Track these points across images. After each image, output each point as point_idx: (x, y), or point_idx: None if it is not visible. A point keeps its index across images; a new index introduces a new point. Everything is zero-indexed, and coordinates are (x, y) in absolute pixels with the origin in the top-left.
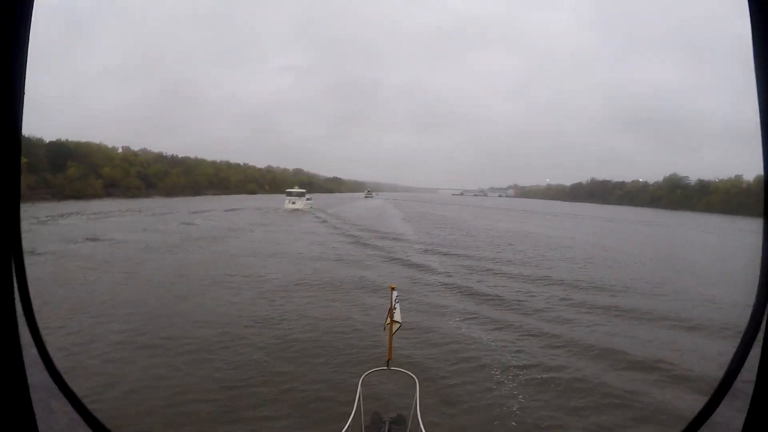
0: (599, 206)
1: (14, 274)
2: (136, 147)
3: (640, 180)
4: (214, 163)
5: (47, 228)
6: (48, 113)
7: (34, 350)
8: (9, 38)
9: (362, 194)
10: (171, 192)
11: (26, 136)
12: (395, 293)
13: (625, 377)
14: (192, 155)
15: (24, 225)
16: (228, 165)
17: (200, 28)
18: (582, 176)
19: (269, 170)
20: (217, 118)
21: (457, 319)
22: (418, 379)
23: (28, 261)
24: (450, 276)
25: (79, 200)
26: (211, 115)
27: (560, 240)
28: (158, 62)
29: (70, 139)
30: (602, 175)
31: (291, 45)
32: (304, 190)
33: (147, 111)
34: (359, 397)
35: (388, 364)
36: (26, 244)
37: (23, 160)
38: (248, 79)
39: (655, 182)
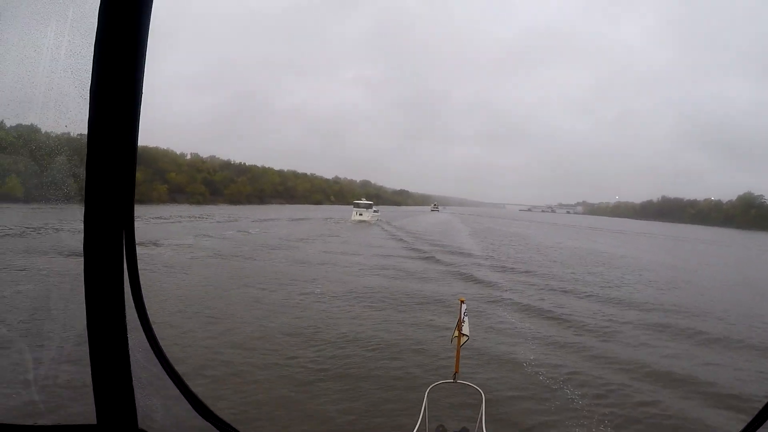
0: (671, 225)
1: (126, 269)
2: (204, 154)
3: (713, 198)
4: (281, 172)
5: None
6: None
7: (142, 335)
8: (131, 51)
9: (428, 208)
10: (236, 200)
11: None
12: (464, 306)
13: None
14: (260, 163)
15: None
16: (295, 174)
17: (273, 39)
18: (652, 194)
19: (336, 181)
20: (287, 127)
21: (528, 339)
22: (484, 393)
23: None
24: (521, 295)
25: (143, 204)
26: (281, 125)
27: (637, 261)
28: (230, 72)
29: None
30: (673, 193)
31: (361, 57)
32: (371, 202)
33: (217, 119)
34: (425, 409)
35: (455, 377)
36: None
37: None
38: (318, 90)
39: (729, 201)
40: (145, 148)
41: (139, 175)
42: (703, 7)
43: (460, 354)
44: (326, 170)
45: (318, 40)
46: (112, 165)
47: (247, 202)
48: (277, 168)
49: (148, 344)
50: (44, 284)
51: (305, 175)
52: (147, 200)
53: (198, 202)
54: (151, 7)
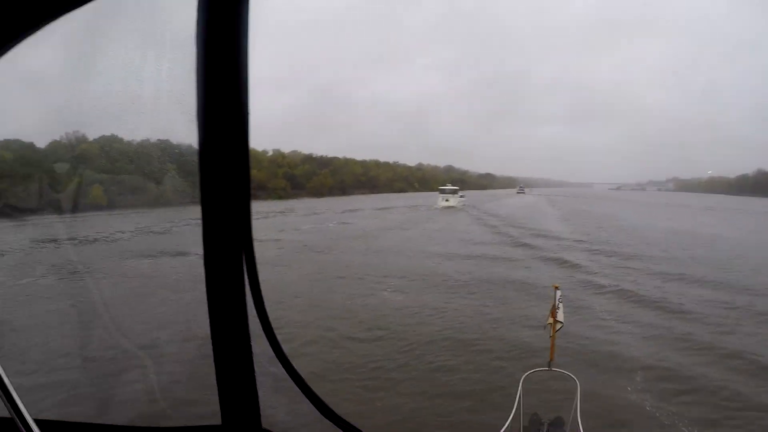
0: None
1: (245, 270)
2: (286, 150)
3: None
4: (363, 162)
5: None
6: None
7: (265, 341)
8: (232, 74)
9: (514, 190)
10: (318, 192)
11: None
12: (558, 293)
13: None
14: (341, 155)
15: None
16: (377, 164)
17: (348, 35)
18: (746, 168)
19: (419, 168)
20: (367, 118)
21: (636, 333)
22: (579, 382)
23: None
24: (637, 285)
25: None
26: (361, 116)
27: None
28: (308, 69)
29: None
30: None
31: (437, 41)
32: (457, 188)
33: (298, 116)
34: (519, 397)
35: (549, 365)
36: (173, 246)
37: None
38: (396, 78)
39: None
40: None
41: (160, 175)
42: None
43: (555, 341)
44: (409, 158)
45: (392, 29)
46: (226, 185)
47: (329, 194)
48: (359, 159)
49: (271, 350)
50: (165, 295)
51: (387, 164)
52: (165, 204)
53: (280, 197)
54: (248, 29)
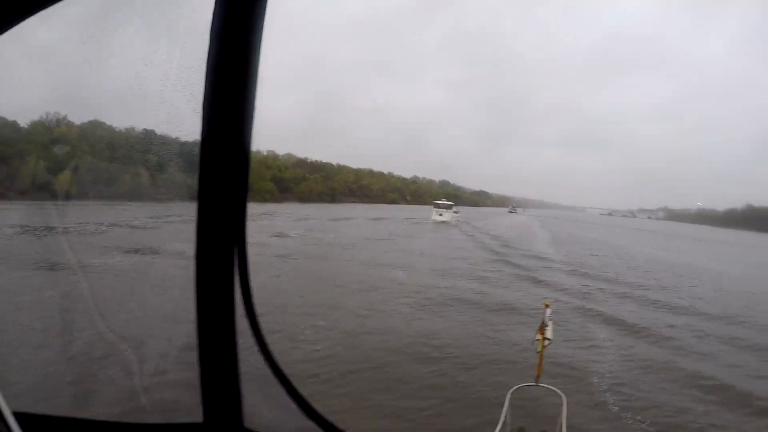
0: (761, 235)
1: (236, 266)
2: (281, 152)
3: None
4: (357, 170)
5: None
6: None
7: (252, 337)
8: (242, 70)
9: (506, 209)
10: (305, 198)
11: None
12: (549, 310)
13: None
14: (339, 162)
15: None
16: (371, 173)
17: (357, 42)
18: (734, 202)
19: (414, 180)
20: (368, 126)
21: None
22: (566, 397)
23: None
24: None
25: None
26: (362, 124)
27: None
28: (314, 72)
29: None
30: (757, 201)
31: (444, 59)
32: (451, 203)
33: (298, 118)
34: (506, 412)
35: (537, 380)
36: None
37: None
38: (400, 90)
39: None
40: None
41: (160, 166)
42: None
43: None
44: (405, 170)
45: (401, 44)
46: (225, 181)
47: (318, 200)
48: (355, 167)
49: (257, 348)
50: (152, 285)
51: (382, 173)
52: (163, 197)
53: (265, 200)
54: (263, 26)
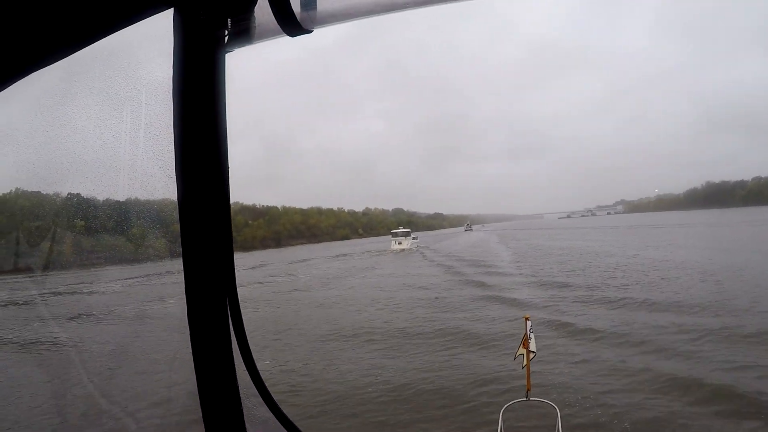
0: (724, 211)
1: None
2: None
3: (762, 176)
4: (303, 210)
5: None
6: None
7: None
8: (210, 128)
9: (462, 228)
10: (248, 246)
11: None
12: (529, 323)
13: None
14: (285, 204)
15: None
16: (319, 211)
17: (295, 88)
18: (693, 182)
19: (366, 212)
20: (314, 166)
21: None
22: (559, 409)
23: None
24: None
25: (139, 263)
26: (309, 164)
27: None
28: (257, 122)
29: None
30: (715, 177)
31: (379, 91)
32: (409, 230)
33: (245, 168)
34: (500, 429)
35: (527, 395)
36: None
37: None
38: (342, 128)
39: None
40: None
41: (135, 230)
42: None
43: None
44: (356, 203)
45: (338, 82)
46: (209, 237)
47: (261, 246)
48: (306, 206)
49: (261, 400)
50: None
51: (331, 210)
52: (143, 258)
53: None
54: (224, 78)
